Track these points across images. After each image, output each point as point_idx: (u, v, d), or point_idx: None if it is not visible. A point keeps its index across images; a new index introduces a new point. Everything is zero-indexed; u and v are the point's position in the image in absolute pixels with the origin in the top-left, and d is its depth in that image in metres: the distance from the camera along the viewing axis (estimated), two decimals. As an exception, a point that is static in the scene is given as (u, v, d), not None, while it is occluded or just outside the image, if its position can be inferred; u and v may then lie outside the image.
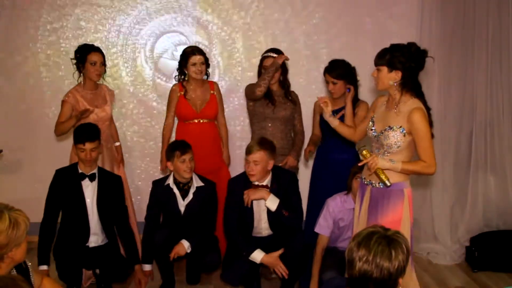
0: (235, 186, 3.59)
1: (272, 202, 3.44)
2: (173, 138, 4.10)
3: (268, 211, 3.51)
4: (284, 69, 3.93)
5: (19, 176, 4.70)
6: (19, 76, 4.65)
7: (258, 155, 3.43)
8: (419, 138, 2.70)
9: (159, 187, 3.75)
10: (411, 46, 2.73)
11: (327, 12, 4.69)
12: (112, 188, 3.63)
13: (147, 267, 3.73)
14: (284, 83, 3.98)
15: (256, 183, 3.51)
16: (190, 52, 3.93)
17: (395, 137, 2.73)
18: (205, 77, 4.04)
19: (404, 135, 2.73)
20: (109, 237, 3.64)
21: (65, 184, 3.54)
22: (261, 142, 3.49)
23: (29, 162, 4.68)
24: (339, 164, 3.73)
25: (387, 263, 1.82)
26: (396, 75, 2.73)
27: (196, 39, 4.68)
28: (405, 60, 2.70)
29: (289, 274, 3.44)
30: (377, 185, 2.81)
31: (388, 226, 2.58)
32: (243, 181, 3.56)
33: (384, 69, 2.76)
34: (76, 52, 3.85)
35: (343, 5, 4.70)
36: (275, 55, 3.88)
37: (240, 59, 4.71)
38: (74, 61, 3.85)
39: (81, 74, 3.85)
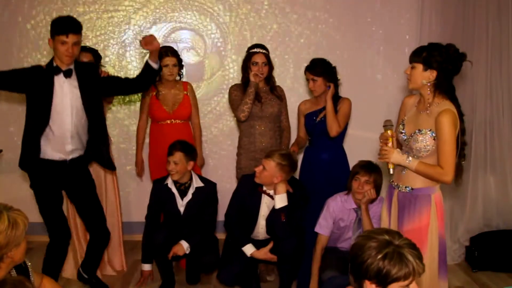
0: (245, 182, 3.60)
1: (281, 200, 3.43)
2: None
3: (268, 217, 3.53)
4: (270, 65, 3.85)
5: (19, 176, 4.69)
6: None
7: (269, 163, 3.41)
8: (440, 142, 2.57)
9: (159, 186, 3.75)
10: (450, 47, 2.63)
11: (325, 12, 4.68)
12: (91, 79, 3.32)
13: (146, 267, 3.75)
14: (269, 79, 3.90)
15: (264, 188, 3.51)
16: (163, 53, 3.83)
17: (424, 141, 2.63)
18: (178, 77, 4.01)
19: (434, 139, 2.62)
20: (94, 137, 3.38)
21: (38, 76, 3.21)
22: (283, 156, 3.41)
23: (29, 162, 4.68)
24: (328, 163, 3.73)
25: (365, 251, 1.76)
26: (431, 75, 2.62)
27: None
28: (442, 60, 2.59)
29: (284, 276, 3.49)
30: (403, 189, 2.73)
31: (415, 233, 2.58)
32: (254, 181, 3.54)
33: (419, 66, 2.64)
34: None
35: (343, 5, 4.69)
36: (263, 50, 3.80)
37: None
38: None
39: None
